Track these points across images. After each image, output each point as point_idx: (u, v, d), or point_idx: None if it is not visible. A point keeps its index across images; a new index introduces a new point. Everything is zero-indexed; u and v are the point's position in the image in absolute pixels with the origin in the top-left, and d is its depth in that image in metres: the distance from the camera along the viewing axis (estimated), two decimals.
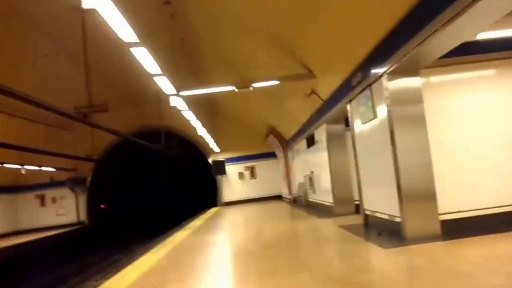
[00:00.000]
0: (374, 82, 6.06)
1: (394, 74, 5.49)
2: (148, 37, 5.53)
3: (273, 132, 17.55)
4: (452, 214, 5.49)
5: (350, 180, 9.41)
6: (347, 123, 8.37)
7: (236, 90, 8.60)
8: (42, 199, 19.43)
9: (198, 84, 9.70)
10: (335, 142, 9.82)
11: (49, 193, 19.45)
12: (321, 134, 10.52)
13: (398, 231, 5.55)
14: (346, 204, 9.55)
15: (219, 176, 20.00)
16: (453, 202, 5.53)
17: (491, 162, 5.69)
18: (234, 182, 20.04)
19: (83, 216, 19.43)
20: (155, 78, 6.89)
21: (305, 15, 6.87)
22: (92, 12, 5.81)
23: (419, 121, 5.49)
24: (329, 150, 9.88)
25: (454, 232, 5.24)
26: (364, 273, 4.12)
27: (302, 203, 14.10)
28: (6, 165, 15.35)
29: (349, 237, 6.46)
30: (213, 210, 17.94)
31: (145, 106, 17.11)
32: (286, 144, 17.15)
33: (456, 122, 5.76)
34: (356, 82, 6.80)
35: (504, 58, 5.76)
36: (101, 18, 4.25)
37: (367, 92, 6.38)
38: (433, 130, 5.55)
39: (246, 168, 20.04)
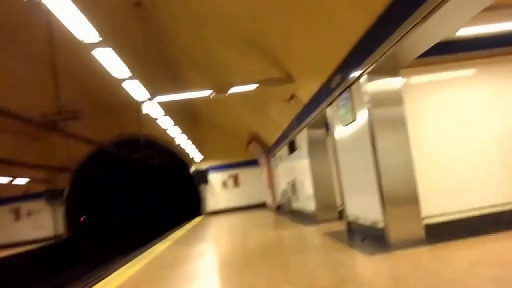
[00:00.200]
0: (353, 83, 5.89)
1: (374, 74, 5.33)
2: (115, 39, 5.26)
3: (256, 138, 17.32)
4: (436, 218, 5.34)
5: (333, 186, 9.22)
6: (327, 127, 8.20)
7: (213, 95, 8.36)
8: (16, 212, 18.70)
9: (174, 89, 9.43)
10: (317, 147, 9.65)
11: (24, 206, 18.73)
12: (302, 139, 10.35)
13: (382, 236, 5.35)
14: (329, 210, 9.35)
15: (202, 185, 19.67)
16: (436, 205, 5.38)
17: (474, 163, 5.56)
18: (217, 191, 19.74)
19: (61, 230, 18.81)
20: (126, 83, 6.59)
21: (283, 17, 6.69)
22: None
23: (400, 122, 5.32)
24: (310, 155, 9.69)
25: (439, 236, 5.09)
26: (349, 284, 3.88)
27: (286, 211, 13.88)
28: None
29: (332, 244, 6.24)
30: (197, 220, 17.62)
31: (123, 113, 16.56)
32: (269, 150, 16.95)
33: (437, 123, 5.62)
34: (336, 84, 6.63)
35: (485, 57, 5.66)
36: (60, 15, 3.98)
37: (346, 94, 6.20)
38: (415, 131, 5.39)
39: (230, 176, 19.76)
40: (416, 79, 5.66)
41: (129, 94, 7.31)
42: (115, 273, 6.05)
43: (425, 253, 4.74)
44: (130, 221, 27.17)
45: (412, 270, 4.04)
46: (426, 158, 5.43)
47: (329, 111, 7.40)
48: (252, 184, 19.60)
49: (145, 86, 7.20)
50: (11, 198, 18.64)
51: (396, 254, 4.75)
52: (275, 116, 12.48)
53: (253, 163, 19.67)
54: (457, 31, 4.80)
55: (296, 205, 12.47)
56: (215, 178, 19.70)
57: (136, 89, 7.09)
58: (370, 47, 5.05)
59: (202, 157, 19.11)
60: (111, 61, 5.61)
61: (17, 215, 18.72)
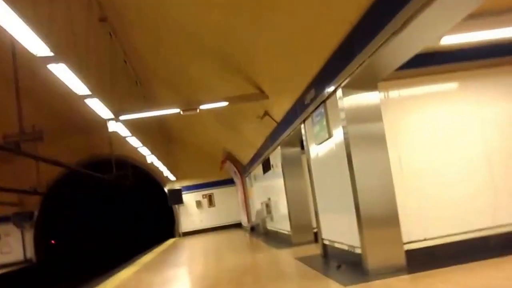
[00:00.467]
0: (328, 98, 5.52)
1: (350, 88, 4.96)
2: (76, 55, 4.78)
3: (230, 157, 16.88)
4: (418, 243, 4.94)
5: (308, 206, 8.79)
6: (302, 145, 7.82)
7: (182, 113, 7.92)
8: None
9: (143, 107, 8.96)
10: (291, 166, 9.25)
11: None
12: (276, 158, 9.96)
13: (359, 263, 4.92)
14: (304, 232, 8.91)
15: (176, 206, 19.04)
16: (418, 228, 4.98)
17: (459, 184, 5.18)
18: (191, 211, 19.24)
19: (30, 254, 17.95)
20: (88, 101, 6.09)
21: (253, 31, 6.32)
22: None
23: (379, 140, 4.93)
24: (284, 174, 9.29)
25: (421, 263, 4.70)
26: None
27: (261, 232, 13.38)
28: None
29: (306, 271, 5.82)
30: (170, 241, 17.10)
31: (94, 133, 15.91)
32: (244, 169, 16.52)
33: (419, 141, 5.23)
34: (310, 99, 6.27)
35: (469, 69, 5.36)
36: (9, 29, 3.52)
37: (321, 109, 5.83)
38: (395, 149, 5.01)
39: (204, 196, 19.26)
40: (396, 93, 5.31)
41: (96, 113, 6.88)
42: None
43: (406, 283, 4.36)
44: (101, 243, 26.24)
45: None
46: (407, 178, 5.04)
47: (304, 128, 7.03)
48: (228, 204, 19.15)
49: (109, 104, 6.72)
50: None
51: (375, 285, 4.33)
52: (248, 134, 12.10)
53: (228, 182, 19.28)
54: (438, 40, 4.49)
55: (271, 225, 12.02)
56: (189, 198, 19.18)
57: (100, 108, 6.60)
58: (345, 59, 4.70)
59: (175, 178, 18.53)
60: (68, 78, 5.12)
61: None
